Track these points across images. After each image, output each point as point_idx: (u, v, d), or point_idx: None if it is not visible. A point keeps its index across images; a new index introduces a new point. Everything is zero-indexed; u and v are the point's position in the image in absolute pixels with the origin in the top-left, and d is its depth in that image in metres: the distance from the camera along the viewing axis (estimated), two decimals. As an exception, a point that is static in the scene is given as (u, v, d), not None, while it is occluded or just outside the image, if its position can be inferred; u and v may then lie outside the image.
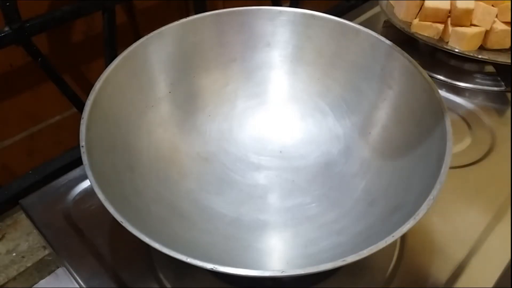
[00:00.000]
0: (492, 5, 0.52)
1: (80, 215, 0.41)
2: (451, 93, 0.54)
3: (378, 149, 0.40)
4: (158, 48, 0.40)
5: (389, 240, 0.26)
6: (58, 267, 0.42)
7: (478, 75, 0.56)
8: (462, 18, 0.52)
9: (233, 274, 0.25)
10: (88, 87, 0.34)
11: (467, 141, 0.48)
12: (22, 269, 0.41)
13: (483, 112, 0.51)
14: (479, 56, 0.52)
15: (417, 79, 0.36)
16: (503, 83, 0.55)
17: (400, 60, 0.38)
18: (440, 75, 0.56)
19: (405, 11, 0.57)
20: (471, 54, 0.53)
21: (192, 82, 0.43)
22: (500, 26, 0.52)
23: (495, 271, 0.36)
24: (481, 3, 0.52)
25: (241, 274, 0.25)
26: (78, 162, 0.45)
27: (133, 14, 0.52)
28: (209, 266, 0.25)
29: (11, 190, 0.43)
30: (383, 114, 0.40)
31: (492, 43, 0.53)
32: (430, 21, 0.54)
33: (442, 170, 0.29)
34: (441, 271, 0.36)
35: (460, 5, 0.52)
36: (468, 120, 0.50)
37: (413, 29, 0.56)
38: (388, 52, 0.39)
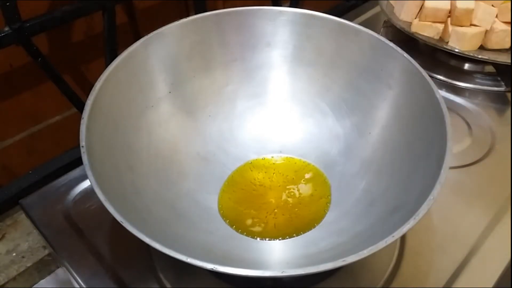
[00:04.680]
0: (492, 5, 0.52)
1: (80, 215, 0.41)
2: (451, 93, 0.54)
3: (378, 149, 0.40)
4: (158, 48, 0.40)
5: (389, 240, 0.26)
6: (58, 267, 0.42)
7: (478, 75, 0.56)
8: (462, 18, 0.52)
9: (233, 274, 0.25)
10: (88, 87, 0.34)
11: (467, 141, 0.48)
12: (22, 269, 0.41)
13: (483, 112, 0.51)
14: (479, 56, 0.52)
15: (417, 79, 0.36)
16: (503, 83, 0.55)
17: (400, 60, 0.38)
18: (440, 75, 0.56)
19: (405, 11, 0.57)
20: (471, 54, 0.53)
21: (192, 82, 0.43)
22: (500, 26, 0.52)
23: (495, 271, 0.36)
24: (481, 3, 0.52)
25: (241, 274, 0.25)
26: (78, 162, 0.45)
27: (133, 14, 0.52)
28: (209, 266, 0.25)
29: (11, 190, 0.43)
30: (383, 114, 0.40)
31: (492, 43, 0.53)
32: (430, 21, 0.55)
33: (442, 170, 0.29)
34: (441, 271, 0.36)
35: (460, 5, 0.52)
36: (468, 120, 0.50)
37: (413, 29, 0.56)
38: (388, 52, 0.39)
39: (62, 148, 0.48)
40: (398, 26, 0.57)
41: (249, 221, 0.39)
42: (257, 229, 0.38)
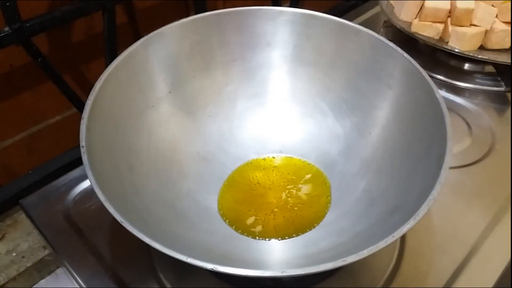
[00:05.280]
0: (492, 5, 0.52)
1: (80, 215, 0.41)
2: (451, 93, 0.54)
3: (378, 149, 0.40)
4: (158, 48, 0.40)
5: (389, 240, 0.26)
6: (58, 267, 0.42)
7: (478, 75, 0.56)
8: (462, 18, 0.52)
9: (233, 274, 0.25)
10: (88, 87, 0.34)
11: (467, 141, 0.48)
12: (22, 269, 0.41)
13: (483, 112, 0.51)
14: (479, 56, 0.52)
15: (417, 79, 0.36)
16: (503, 83, 0.55)
17: (400, 60, 0.38)
18: (440, 75, 0.56)
19: (405, 11, 0.57)
20: (471, 54, 0.53)
21: (192, 82, 0.43)
22: (500, 26, 0.52)
23: (495, 271, 0.36)
24: (481, 3, 0.52)
25: (241, 274, 0.25)
26: (78, 162, 0.45)
27: (133, 14, 0.52)
28: (209, 266, 0.25)
29: (11, 190, 0.43)
30: (383, 114, 0.40)
31: (492, 43, 0.53)
32: (430, 21, 0.54)
33: (442, 170, 0.29)
34: (441, 271, 0.36)
35: (460, 5, 0.52)
36: (468, 120, 0.50)
37: (413, 29, 0.56)
38: (388, 52, 0.39)
39: (62, 148, 0.48)
40: (398, 26, 0.57)
41: (249, 221, 0.39)
42: (257, 229, 0.38)
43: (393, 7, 0.60)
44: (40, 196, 0.43)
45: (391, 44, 0.39)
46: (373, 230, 0.33)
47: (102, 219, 0.40)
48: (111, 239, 0.39)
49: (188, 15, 0.43)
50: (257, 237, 0.37)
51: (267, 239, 0.37)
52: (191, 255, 0.25)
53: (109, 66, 0.36)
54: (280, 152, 0.44)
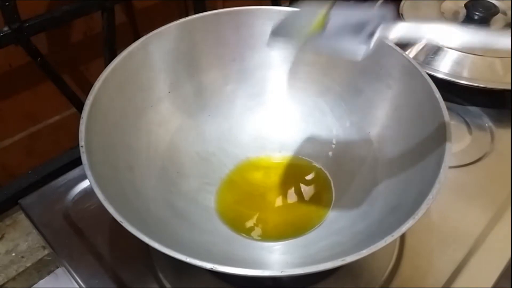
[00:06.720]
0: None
1: (79, 215, 0.41)
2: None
3: (378, 149, 0.40)
4: (158, 48, 0.40)
5: (388, 239, 0.26)
6: (58, 267, 0.42)
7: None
8: (461, 17, 0.52)
9: (232, 273, 0.25)
10: (87, 87, 0.34)
11: (466, 141, 0.48)
12: (21, 269, 0.41)
13: (483, 112, 0.51)
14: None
15: (417, 79, 0.36)
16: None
17: (400, 59, 0.38)
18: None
19: (404, 11, 0.57)
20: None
21: (192, 82, 0.43)
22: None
23: (495, 271, 0.36)
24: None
25: (240, 273, 0.25)
26: (77, 162, 0.45)
27: (132, 14, 0.52)
28: (208, 265, 0.25)
29: (10, 190, 0.43)
30: (382, 114, 0.40)
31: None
32: (429, 21, 0.54)
33: (442, 170, 0.29)
34: (441, 271, 0.36)
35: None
36: (467, 119, 0.50)
37: (413, 29, 0.56)
38: (388, 52, 0.39)
39: (62, 148, 0.48)
40: (397, 26, 0.57)
41: (248, 221, 0.39)
42: (256, 228, 0.38)
43: (393, 6, 0.60)
44: (39, 196, 0.43)
45: (391, 43, 0.39)
46: (373, 229, 0.33)
47: (101, 219, 0.39)
48: (111, 239, 0.39)
49: (187, 15, 0.43)
50: (256, 237, 0.37)
51: (266, 239, 0.37)
52: (191, 255, 0.25)
53: (108, 66, 0.36)
54: (280, 151, 0.44)
